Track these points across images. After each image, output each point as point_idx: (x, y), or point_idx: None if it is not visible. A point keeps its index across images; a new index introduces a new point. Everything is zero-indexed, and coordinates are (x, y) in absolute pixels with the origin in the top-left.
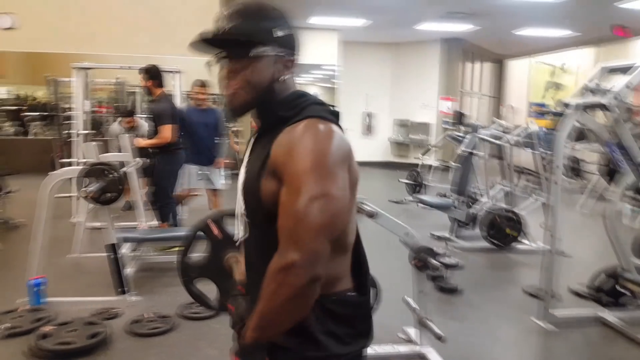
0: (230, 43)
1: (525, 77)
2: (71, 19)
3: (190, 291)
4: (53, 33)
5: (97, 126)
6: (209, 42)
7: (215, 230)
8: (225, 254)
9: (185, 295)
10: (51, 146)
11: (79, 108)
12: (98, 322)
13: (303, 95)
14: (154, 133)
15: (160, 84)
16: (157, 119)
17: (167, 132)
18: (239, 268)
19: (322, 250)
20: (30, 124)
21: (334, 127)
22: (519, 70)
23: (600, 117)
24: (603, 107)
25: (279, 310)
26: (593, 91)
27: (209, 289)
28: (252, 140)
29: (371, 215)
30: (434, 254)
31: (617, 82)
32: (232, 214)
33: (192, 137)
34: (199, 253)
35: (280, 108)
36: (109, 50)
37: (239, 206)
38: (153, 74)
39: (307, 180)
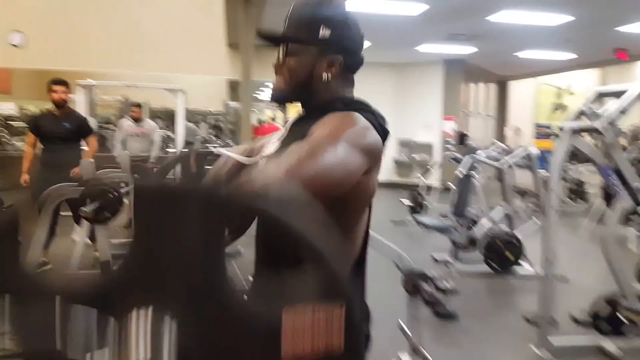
0: (278, 38)
1: (529, 98)
2: (78, 36)
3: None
4: (60, 50)
5: (103, 142)
6: (264, 36)
7: (193, 163)
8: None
9: None
10: None
11: None
12: None
13: (357, 99)
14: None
15: None
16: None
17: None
18: None
19: (299, 178)
20: None
21: (378, 133)
22: (522, 91)
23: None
24: (596, 131)
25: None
26: (587, 115)
27: None
28: (291, 124)
29: None
30: (427, 279)
31: (611, 107)
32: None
33: None
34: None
35: (333, 100)
36: (115, 67)
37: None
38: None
39: (323, 139)
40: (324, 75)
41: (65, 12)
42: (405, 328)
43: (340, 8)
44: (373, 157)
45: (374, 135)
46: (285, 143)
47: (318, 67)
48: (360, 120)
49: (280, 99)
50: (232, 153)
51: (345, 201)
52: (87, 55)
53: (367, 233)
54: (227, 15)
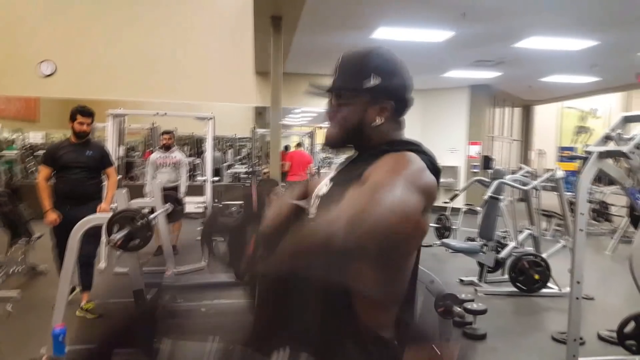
0: (331, 88)
1: (553, 122)
2: (105, 66)
3: (205, 239)
4: (87, 79)
5: (129, 169)
6: (316, 88)
7: (255, 201)
8: (251, 228)
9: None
10: None
11: (113, 153)
12: None
13: (409, 140)
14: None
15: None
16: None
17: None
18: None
19: (361, 227)
20: None
21: (431, 172)
22: (546, 115)
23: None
24: (624, 155)
25: (301, 250)
26: (614, 139)
27: None
28: (345, 163)
29: None
30: (460, 302)
31: (638, 131)
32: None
33: None
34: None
35: (387, 142)
36: (143, 96)
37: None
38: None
39: (382, 181)
40: (376, 121)
41: (92, 42)
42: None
43: (388, 55)
44: (429, 196)
45: (428, 175)
46: (338, 183)
47: (369, 113)
48: (415, 160)
49: (334, 145)
50: (288, 195)
51: (401, 241)
52: (114, 84)
53: (416, 268)
54: (255, 44)
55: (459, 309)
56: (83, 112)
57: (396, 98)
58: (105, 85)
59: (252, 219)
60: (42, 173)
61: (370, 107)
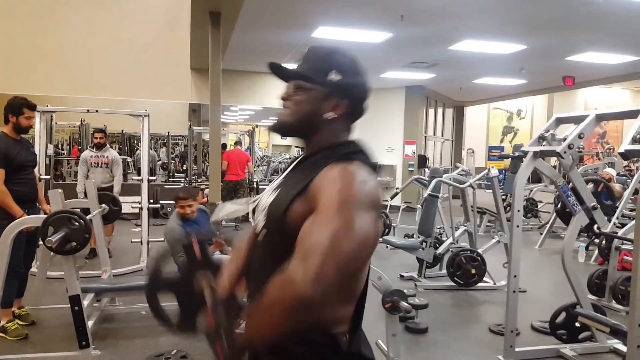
0: (290, 74)
1: (483, 122)
2: (31, 62)
3: (152, 304)
4: (19, 75)
5: (57, 168)
6: (275, 70)
7: (197, 250)
8: (198, 275)
9: (151, 347)
10: None
11: (41, 152)
12: None
13: (352, 142)
14: None
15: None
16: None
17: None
18: (211, 288)
19: (333, 283)
20: None
21: (374, 177)
22: (477, 115)
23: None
24: (557, 154)
25: (270, 318)
26: (548, 140)
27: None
28: (292, 165)
29: None
30: (405, 297)
31: (570, 132)
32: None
33: None
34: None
35: (330, 145)
36: (73, 92)
37: (259, 220)
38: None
39: (337, 214)
40: (327, 115)
41: (16, 34)
42: (383, 345)
43: (354, 59)
44: (377, 205)
45: (372, 186)
46: (282, 192)
47: (323, 106)
48: (361, 172)
49: (282, 128)
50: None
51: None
52: (39, 79)
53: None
54: (192, 40)
55: (406, 304)
56: (30, 105)
57: (352, 99)
58: (30, 81)
59: (197, 268)
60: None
61: (325, 100)
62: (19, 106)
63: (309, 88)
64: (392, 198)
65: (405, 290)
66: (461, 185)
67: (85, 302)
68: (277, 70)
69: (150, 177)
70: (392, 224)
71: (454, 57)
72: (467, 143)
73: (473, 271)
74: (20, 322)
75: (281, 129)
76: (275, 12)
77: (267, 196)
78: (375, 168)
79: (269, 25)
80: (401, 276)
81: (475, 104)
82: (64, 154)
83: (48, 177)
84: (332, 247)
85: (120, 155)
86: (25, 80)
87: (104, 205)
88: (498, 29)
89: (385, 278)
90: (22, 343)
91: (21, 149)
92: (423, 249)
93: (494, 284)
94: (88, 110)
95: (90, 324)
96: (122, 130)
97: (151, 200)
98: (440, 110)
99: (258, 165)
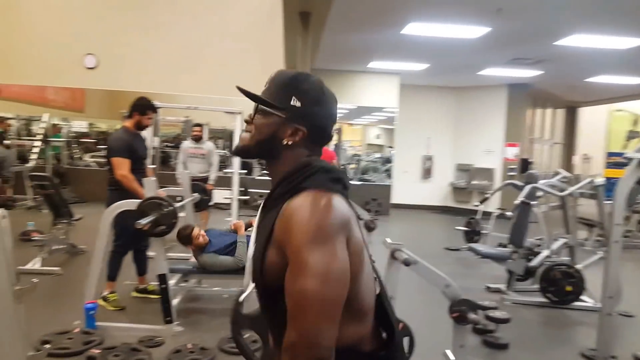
0: (252, 96)
1: (601, 125)
2: (145, 60)
3: (237, 340)
4: (126, 73)
5: (165, 160)
6: (242, 92)
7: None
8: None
9: (228, 329)
10: None
11: (149, 145)
12: (142, 349)
13: (307, 164)
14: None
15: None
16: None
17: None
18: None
19: (322, 329)
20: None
21: (333, 198)
22: (594, 117)
23: None
24: None
25: None
26: None
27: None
28: (262, 204)
29: (407, 263)
30: (475, 307)
31: None
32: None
33: None
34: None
35: (284, 177)
36: (178, 90)
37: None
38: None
39: (305, 258)
40: (285, 141)
41: (131, 36)
42: (451, 356)
43: (319, 86)
44: (347, 229)
45: (338, 211)
46: (258, 239)
47: (281, 131)
48: (309, 206)
49: (242, 153)
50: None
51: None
52: (151, 77)
53: (375, 272)
54: (285, 41)
55: (476, 316)
56: (154, 108)
57: (310, 126)
58: (143, 79)
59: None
60: (126, 165)
61: (285, 125)
62: (145, 107)
63: (270, 113)
64: (482, 203)
65: (487, 302)
66: (559, 193)
67: (172, 282)
68: (243, 93)
69: (242, 171)
70: (483, 231)
71: (561, 53)
72: (580, 148)
73: (569, 288)
74: (152, 296)
75: (241, 151)
76: (364, 9)
77: (251, 246)
78: (339, 180)
79: (359, 24)
80: (488, 287)
81: (590, 105)
82: (172, 146)
83: (154, 166)
84: (308, 300)
85: (223, 149)
86: (136, 78)
87: (195, 194)
88: (612, 21)
89: (454, 286)
90: (118, 313)
91: (140, 143)
92: (513, 259)
93: (595, 304)
94: (188, 107)
95: (176, 301)
96: (224, 127)
97: (242, 189)
98: (549, 111)
99: (348, 164)
